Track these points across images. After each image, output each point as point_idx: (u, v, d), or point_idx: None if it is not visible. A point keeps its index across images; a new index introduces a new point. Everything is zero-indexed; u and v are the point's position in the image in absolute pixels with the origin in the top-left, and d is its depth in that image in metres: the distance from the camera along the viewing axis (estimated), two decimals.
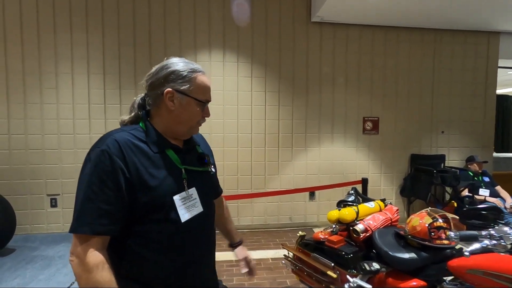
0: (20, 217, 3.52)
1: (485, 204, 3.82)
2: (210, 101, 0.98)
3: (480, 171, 4.17)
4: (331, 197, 4.19)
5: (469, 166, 4.27)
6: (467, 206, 3.91)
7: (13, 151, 3.62)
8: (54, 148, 3.68)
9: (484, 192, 3.88)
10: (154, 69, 0.95)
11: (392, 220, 1.97)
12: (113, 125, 3.71)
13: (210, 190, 1.06)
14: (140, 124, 0.95)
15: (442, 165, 4.33)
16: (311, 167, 4.16)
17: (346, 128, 4.20)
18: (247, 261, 1.25)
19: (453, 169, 4.03)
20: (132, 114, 0.98)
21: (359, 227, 1.84)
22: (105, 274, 0.78)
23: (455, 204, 4.03)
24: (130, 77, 3.79)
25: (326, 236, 1.99)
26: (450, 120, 4.40)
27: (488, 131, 4.49)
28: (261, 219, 4.10)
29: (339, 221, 1.98)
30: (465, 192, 3.97)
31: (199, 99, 0.94)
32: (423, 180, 4.00)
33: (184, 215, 0.91)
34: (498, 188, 4.04)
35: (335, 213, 2.02)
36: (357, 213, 1.96)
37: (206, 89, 0.96)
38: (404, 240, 1.74)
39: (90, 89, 3.72)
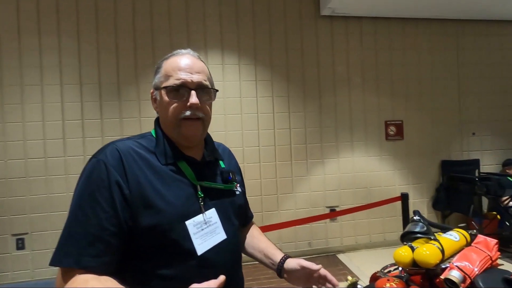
0: None
1: None
2: (185, 81, 0.75)
3: None
4: (356, 216, 3.58)
5: (507, 170, 3.76)
6: None
7: None
8: (21, 177, 3.00)
9: None
10: None
11: (492, 259, 1.37)
12: (94, 143, 3.08)
13: (234, 213, 0.84)
14: (152, 132, 0.82)
15: (477, 171, 3.80)
16: (330, 181, 3.57)
17: (367, 134, 3.65)
18: (307, 269, 0.84)
19: (496, 176, 3.49)
20: None
21: (455, 275, 1.23)
22: None
23: (498, 216, 3.48)
24: (112, 87, 3.18)
25: None
26: (481, 120, 3.90)
27: None
28: None
29: (414, 264, 1.38)
30: (509, 201, 3.43)
31: (166, 86, 0.75)
32: (462, 190, 3.44)
33: (201, 246, 0.71)
34: None
35: (406, 252, 1.41)
36: (443, 251, 1.36)
37: (175, 70, 0.76)
38: None
39: (64, 102, 3.09)
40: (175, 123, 0.75)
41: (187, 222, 0.71)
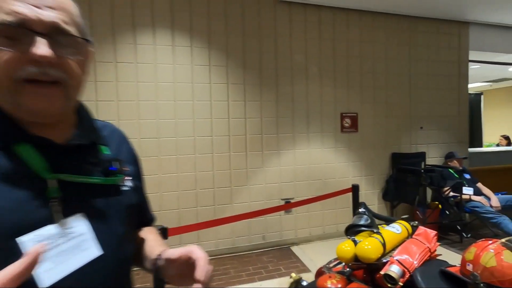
0: None
1: (472, 204, 3.53)
2: (25, 19, 0.45)
3: (460, 167, 3.90)
4: (310, 208, 3.56)
5: (449, 163, 4.00)
6: (454, 207, 3.59)
7: None
8: None
9: (468, 191, 3.59)
10: None
11: (431, 251, 1.35)
12: None
13: (120, 218, 0.58)
14: None
15: (423, 163, 3.99)
16: (285, 173, 3.49)
17: (323, 126, 3.62)
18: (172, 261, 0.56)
19: (439, 168, 3.68)
20: None
21: (395, 270, 1.18)
22: None
23: (440, 206, 3.70)
24: None
25: (340, 286, 1.29)
26: (428, 115, 4.09)
27: (463, 125, 4.28)
28: (228, 242, 3.30)
29: (357, 259, 1.31)
30: (449, 192, 3.65)
31: None
32: (409, 182, 3.57)
33: (52, 272, 0.45)
34: (479, 185, 3.80)
35: (349, 247, 1.34)
36: (384, 245, 1.30)
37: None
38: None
39: None
40: (9, 86, 0.47)
41: (21, 239, 0.45)
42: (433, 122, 4.11)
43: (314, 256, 3.19)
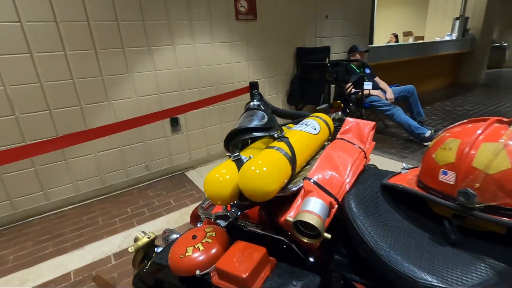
0: None
1: (370, 99, 3.42)
2: None
3: (362, 61, 3.68)
4: (206, 121, 2.85)
5: (351, 57, 3.71)
6: (354, 104, 3.43)
7: None
8: None
9: (367, 86, 3.43)
10: None
11: (367, 155, 0.78)
12: None
13: None
14: None
15: (328, 59, 3.59)
16: (165, 80, 2.54)
17: (211, 10, 2.63)
18: None
19: (343, 62, 3.33)
20: None
21: (314, 209, 0.55)
22: None
23: (342, 105, 3.51)
24: None
25: (212, 252, 0.64)
26: (333, 0, 3.50)
27: (365, 15, 3.92)
28: (94, 182, 2.39)
29: (242, 197, 0.64)
30: (351, 89, 3.44)
31: None
32: (314, 80, 3.14)
33: None
34: (377, 79, 3.70)
35: (226, 175, 0.65)
36: (293, 160, 0.65)
37: None
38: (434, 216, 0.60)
39: None
40: None
41: None
42: (337, 10, 3.58)
43: None
